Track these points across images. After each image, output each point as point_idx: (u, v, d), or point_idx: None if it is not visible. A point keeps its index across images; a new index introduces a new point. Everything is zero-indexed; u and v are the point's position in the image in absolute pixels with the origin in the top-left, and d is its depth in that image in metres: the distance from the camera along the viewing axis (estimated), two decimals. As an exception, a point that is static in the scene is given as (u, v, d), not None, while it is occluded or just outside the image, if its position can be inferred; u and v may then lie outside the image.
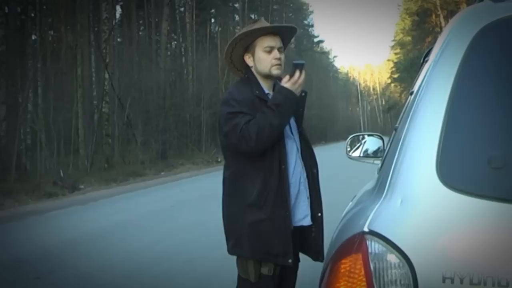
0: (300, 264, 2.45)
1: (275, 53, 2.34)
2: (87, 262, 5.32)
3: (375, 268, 1.24)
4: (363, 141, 3.12)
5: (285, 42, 2.45)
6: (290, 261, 2.24)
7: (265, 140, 2.18)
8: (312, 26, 64.90)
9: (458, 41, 1.39)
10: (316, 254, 2.37)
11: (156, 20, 28.03)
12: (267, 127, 2.17)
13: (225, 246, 2.38)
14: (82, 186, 13.25)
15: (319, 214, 2.38)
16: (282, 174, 2.25)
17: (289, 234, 2.24)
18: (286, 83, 2.25)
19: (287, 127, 2.33)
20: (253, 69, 2.39)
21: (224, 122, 2.27)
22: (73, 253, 5.80)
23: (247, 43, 2.38)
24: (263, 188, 2.23)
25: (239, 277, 2.35)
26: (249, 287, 2.28)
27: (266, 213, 2.22)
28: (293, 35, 2.50)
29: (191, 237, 6.46)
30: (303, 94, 2.35)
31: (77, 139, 19.02)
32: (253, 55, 2.37)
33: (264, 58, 2.34)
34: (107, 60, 19.88)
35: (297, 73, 2.25)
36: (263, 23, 2.39)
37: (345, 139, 3.38)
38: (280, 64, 2.36)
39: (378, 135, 3.05)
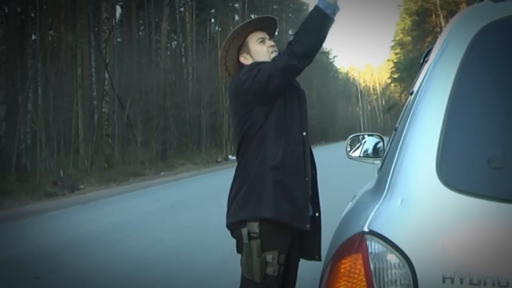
0: (300, 264, 2.45)
1: (269, 42, 2.45)
2: (87, 262, 5.31)
3: (375, 268, 1.23)
4: (363, 141, 3.12)
5: (270, 36, 2.52)
6: (307, 226, 2.26)
7: (314, 43, 2.19)
8: (312, 26, 64.62)
9: (458, 41, 1.39)
10: (313, 254, 2.39)
11: (156, 20, 28.06)
12: (314, 31, 2.17)
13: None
14: (82, 186, 13.24)
15: (317, 214, 2.40)
16: (305, 141, 2.30)
17: (308, 200, 2.28)
18: None
19: None
20: None
21: (256, 77, 2.24)
22: (72, 253, 5.79)
23: (239, 43, 2.44)
24: (286, 151, 2.25)
25: (242, 277, 2.33)
26: (253, 287, 2.28)
27: (289, 175, 2.24)
28: (275, 27, 2.56)
29: (191, 238, 6.45)
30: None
31: (77, 139, 19.03)
32: (248, 52, 2.44)
33: (261, 49, 2.42)
34: (107, 60, 19.86)
35: None
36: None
37: (345, 139, 3.38)
38: (276, 51, 2.42)
39: (378, 135, 3.05)
